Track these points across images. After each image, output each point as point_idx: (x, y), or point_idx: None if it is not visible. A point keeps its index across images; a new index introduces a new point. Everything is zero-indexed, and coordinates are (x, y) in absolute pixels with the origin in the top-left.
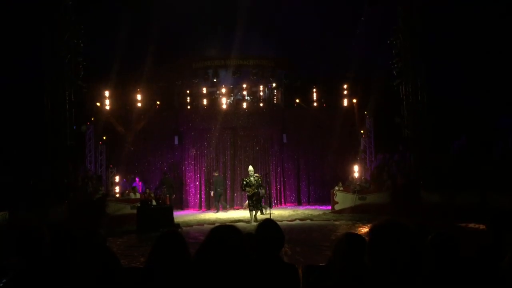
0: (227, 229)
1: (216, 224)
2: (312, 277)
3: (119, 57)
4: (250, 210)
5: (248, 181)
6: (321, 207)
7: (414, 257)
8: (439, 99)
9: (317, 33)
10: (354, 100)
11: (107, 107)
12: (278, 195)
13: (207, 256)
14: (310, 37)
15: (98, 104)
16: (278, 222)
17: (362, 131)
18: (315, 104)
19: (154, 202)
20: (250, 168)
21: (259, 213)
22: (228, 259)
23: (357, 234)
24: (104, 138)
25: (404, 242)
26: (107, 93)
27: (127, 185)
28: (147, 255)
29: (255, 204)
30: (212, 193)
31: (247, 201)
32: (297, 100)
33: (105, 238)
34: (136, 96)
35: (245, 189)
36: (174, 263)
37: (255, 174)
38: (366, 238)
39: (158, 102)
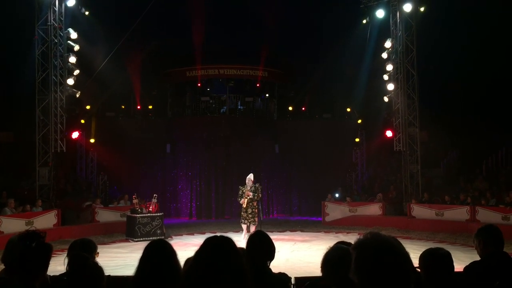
0: (221, 240)
1: (209, 235)
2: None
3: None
4: (244, 224)
5: (245, 190)
6: (312, 219)
7: (401, 273)
8: (431, 114)
9: (311, 45)
10: (348, 109)
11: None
12: (269, 205)
13: (200, 268)
14: (304, 48)
15: (88, 107)
16: (268, 233)
17: (357, 140)
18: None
19: (144, 211)
20: (250, 176)
21: (252, 228)
22: (222, 271)
23: (344, 247)
24: (93, 141)
25: (389, 258)
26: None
27: (117, 193)
28: (136, 264)
29: (251, 217)
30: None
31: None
32: (290, 108)
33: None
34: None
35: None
36: (163, 272)
37: (256, 184)
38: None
39: (150, 107)
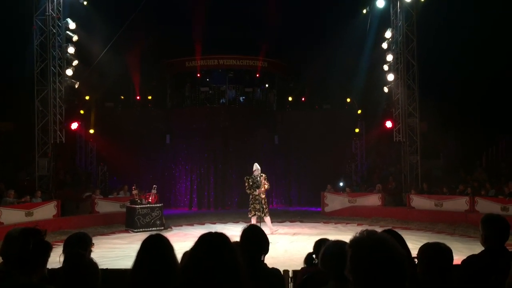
0: (215, 237)
1: (204, 232)
2: (300, 280)
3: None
4: (262, 216)
5: (255, 180)
6: (311, 209)
7: (396, 272)
8: (431, 104)
9: (311, 36)
10: (348, 100)
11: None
12: (269, 196)
13: (195, 266)
14: (304, 39)
15: (87, 97)
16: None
17: (357, 130)
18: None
19: (144, 201)
20: (257, 166)
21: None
22: (217, 269)
23: (342, 242)
24: (92, 132)
25: (384, 257)
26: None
27: (117, 183)
28: (134, 257)
29: (264, 208)
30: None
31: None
32: (290, 99)
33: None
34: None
35: (254, 190)
36: (160, 267)
37: (262, 174)
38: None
39: (149, 97)
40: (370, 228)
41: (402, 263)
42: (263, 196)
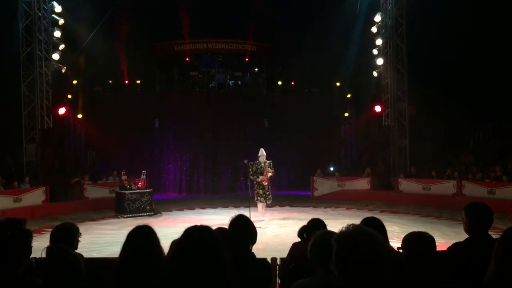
0: (201, 232)
1: (194, 217)
2: (288, 268)
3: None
4: (261, 202)
5: (259, 166)
6: (301, 193)
7: (382, 265)
8: (420, 88)
9: (300, 19)
10: (338, 84)
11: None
12: None
13: (180, 261)
14: (293, 23)
15: (74, 82)
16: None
17: (346, 114)
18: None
19: (133, 187)
20: (263, 152)
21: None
22: (202, 264)
23: (331, 232)
24: (80, 116)
25: (371, 251)
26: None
27: (107, 168)
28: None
29: (268, 195)
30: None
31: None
32: (279, 82)
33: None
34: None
35: (257, 176)
36: (145, 259)
37: (267, 161)
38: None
39: (138, 82)
40: (358, 211)
41: (387, 256)
42: (266, 183)
